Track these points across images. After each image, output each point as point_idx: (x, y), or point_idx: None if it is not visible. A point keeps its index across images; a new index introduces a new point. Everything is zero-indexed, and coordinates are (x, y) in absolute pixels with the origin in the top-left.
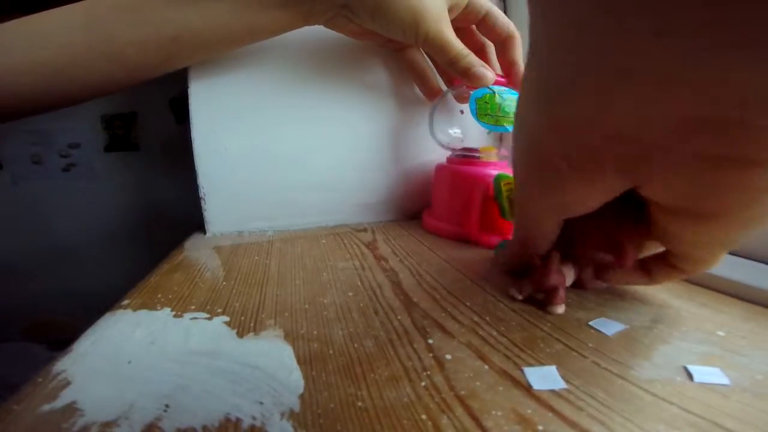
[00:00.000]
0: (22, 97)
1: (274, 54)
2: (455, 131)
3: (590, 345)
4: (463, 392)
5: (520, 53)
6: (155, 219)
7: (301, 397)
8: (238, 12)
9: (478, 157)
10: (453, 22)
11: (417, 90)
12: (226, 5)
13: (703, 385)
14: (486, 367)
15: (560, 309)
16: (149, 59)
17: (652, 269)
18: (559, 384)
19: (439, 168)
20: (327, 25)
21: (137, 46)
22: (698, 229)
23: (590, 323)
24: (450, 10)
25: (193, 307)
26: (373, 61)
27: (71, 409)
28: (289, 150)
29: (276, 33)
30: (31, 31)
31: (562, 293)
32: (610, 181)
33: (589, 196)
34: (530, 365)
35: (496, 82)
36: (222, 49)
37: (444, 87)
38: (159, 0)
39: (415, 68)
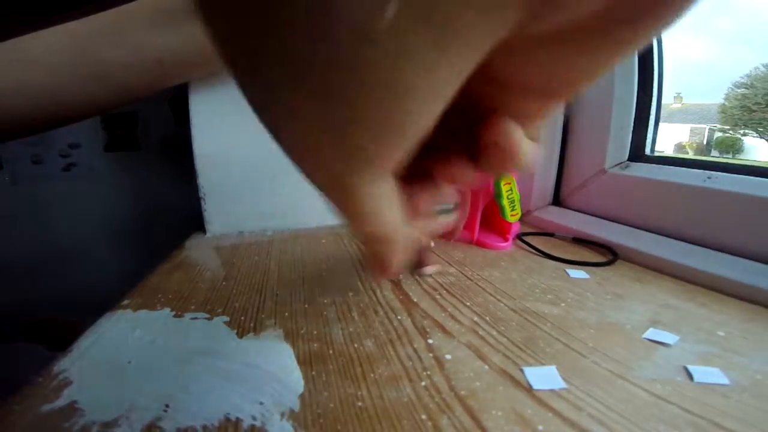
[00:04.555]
0: (17, 119)
1: None
2: None
3: (590, 345)
4: (463, 392)
5: None
6: (155, 219)
7: (301, 397)
8: None
9: None
10: None
11: None
12: None
13: (703, 385)
14: (486, 367)
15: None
16: (137, 81)
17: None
18: (559, 384)
19: None
20: None
21: (123, 68)
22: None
23: (644, 336)
24: None
25: (193, 307)
26: None
27: (71, 409)
28: None
29: None
30: (18, 54)
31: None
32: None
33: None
34: (530, 365)
35: None
36: (209, 69)
37: None
38: (141, 24)
39: None
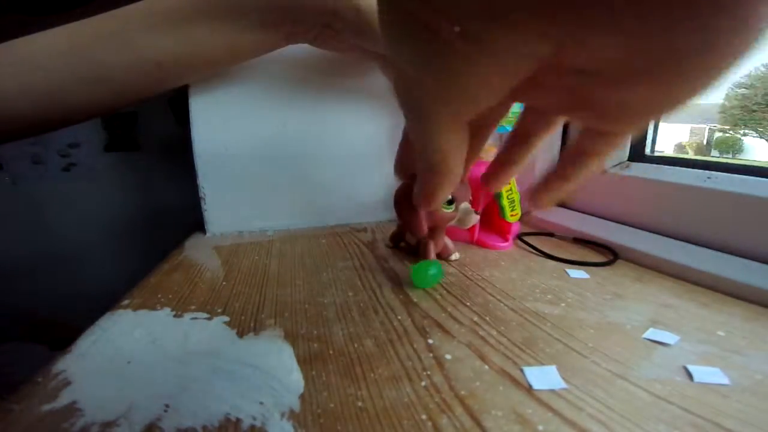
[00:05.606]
0: (16, 121)
1: (274, 55)
2: None
3: (590, 345)
4: (463, 392)
5: None
6: (155, 219)
7: (301, 397)
8: (218, 36)
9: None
10: None
11: None
12: (206, 30)
13: (703, 385)
14: (486, 367)
15: (456, 255)
16: (137, 84)
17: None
18: (559, 384)
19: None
20: (312, 43)
21: (123, 71)
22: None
23: (644, 336)
24: None
25: (193, 307)
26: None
27: (71, 409)
28: (288, 150)
29: (258, 54)
30: (19, 56)
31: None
32: (528, 48)
33: (495, 80)
34: (530, 365)
35: None
36: (208, 71)
37: None
38: (139, 26)
39: None
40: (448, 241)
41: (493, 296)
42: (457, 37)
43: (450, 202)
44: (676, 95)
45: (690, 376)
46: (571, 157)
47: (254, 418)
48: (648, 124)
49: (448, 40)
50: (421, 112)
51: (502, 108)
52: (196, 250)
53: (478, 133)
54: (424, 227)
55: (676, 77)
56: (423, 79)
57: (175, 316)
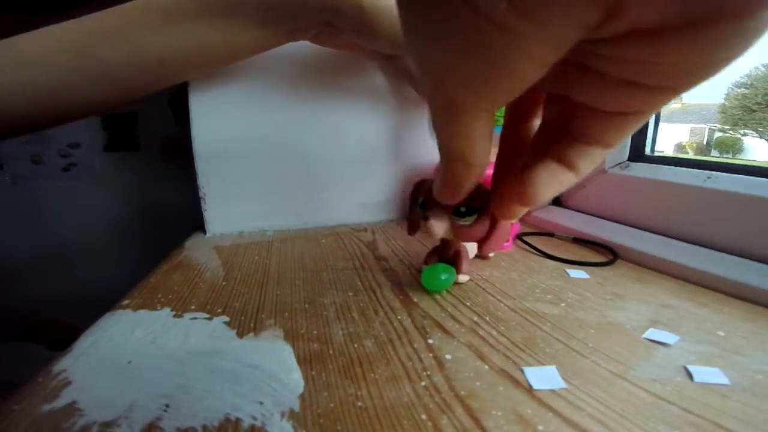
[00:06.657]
0: (15, 117)
1: (274, 55)
2: None
3: (590, 345)
4: (463, 392)
5: None
6: (155, 219)
7: (301, 397)
8: (219, 33)
9: None
10: None
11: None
12: (206, 27)
13: (703, 385)
14: (486, 367)
15: (464, 278)
16: (138, 80)
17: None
18: (559, 384)
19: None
20: (313, 41)
21: (124, 68)
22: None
23: (644, 336)
24: None
25: (193, 307)
26: (373, 62)
27: (71, 409)
28: (289, 150)
29: (259, 52)
30: (18, 53)
31: (465, 262)
32: (581, 15)
33: (543, 54)
34: (530, 365)
35: None
36: (209, 69)
37: None
38: (140, 23)
39: (409, 75)
40: (465, 259)
41: (493, 296)
42: (504, 12)
43: (467, 214)
44: (708, 57)
45: (690, 376)
46: (570, 142)
47: (254, 418)
48: (669, 99)
49: (494, 18)
50: (450, 100)
51: (537, 97)
52: (196, 250)
53: (520, 127)
54: (412, 230)
55: (711, 34)
56: (453, 65)
57: (175, 316)
